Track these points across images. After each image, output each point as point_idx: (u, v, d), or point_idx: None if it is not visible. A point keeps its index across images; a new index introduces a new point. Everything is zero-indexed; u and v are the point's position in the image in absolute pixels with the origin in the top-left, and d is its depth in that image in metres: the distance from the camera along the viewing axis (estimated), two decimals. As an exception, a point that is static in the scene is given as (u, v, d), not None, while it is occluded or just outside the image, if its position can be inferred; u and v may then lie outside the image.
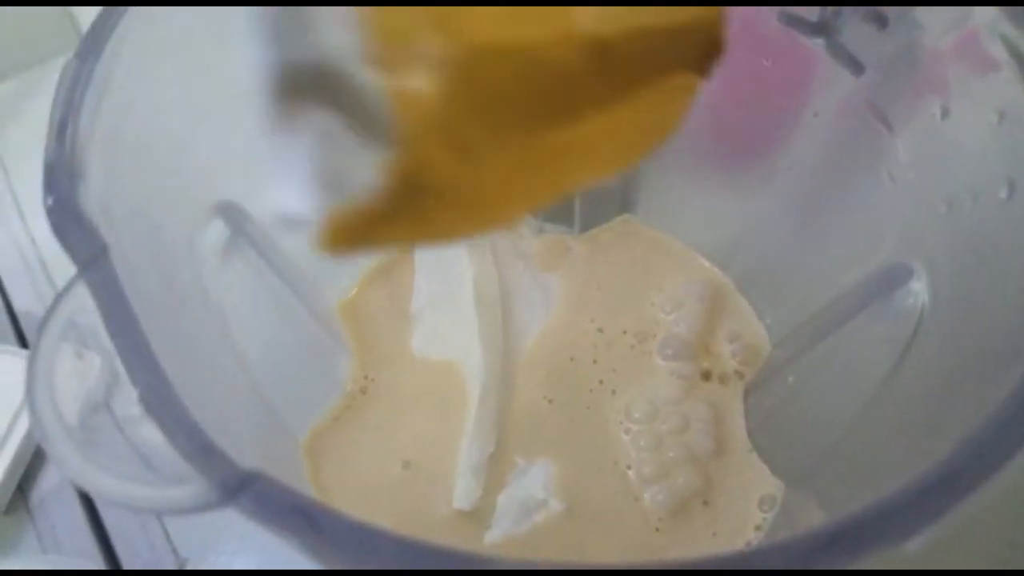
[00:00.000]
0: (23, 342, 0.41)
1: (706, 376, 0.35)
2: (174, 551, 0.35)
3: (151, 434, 0.18)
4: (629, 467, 0.33)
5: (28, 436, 0.36)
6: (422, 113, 0.14)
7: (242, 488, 0.16)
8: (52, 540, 0.36)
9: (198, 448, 0.17)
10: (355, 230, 0.14)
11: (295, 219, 0.14)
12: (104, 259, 0.19)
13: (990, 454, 0.16)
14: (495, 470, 0.34)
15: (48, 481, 0.37)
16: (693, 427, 0.33)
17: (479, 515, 0.33)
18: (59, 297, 0.19)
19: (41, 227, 0.45)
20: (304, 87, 0.13)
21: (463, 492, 0.33)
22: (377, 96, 0.13)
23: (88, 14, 0.48)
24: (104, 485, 0.17)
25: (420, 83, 0.14)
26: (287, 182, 0.14)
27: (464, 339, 0.36)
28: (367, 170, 0.14)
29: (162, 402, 0.18)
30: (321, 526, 0.15)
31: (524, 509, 0.32)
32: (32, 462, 0.37)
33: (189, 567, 0.34)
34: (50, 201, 0.19)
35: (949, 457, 0.16)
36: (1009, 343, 0.20)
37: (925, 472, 0.16)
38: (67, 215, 0.19)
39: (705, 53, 0.20)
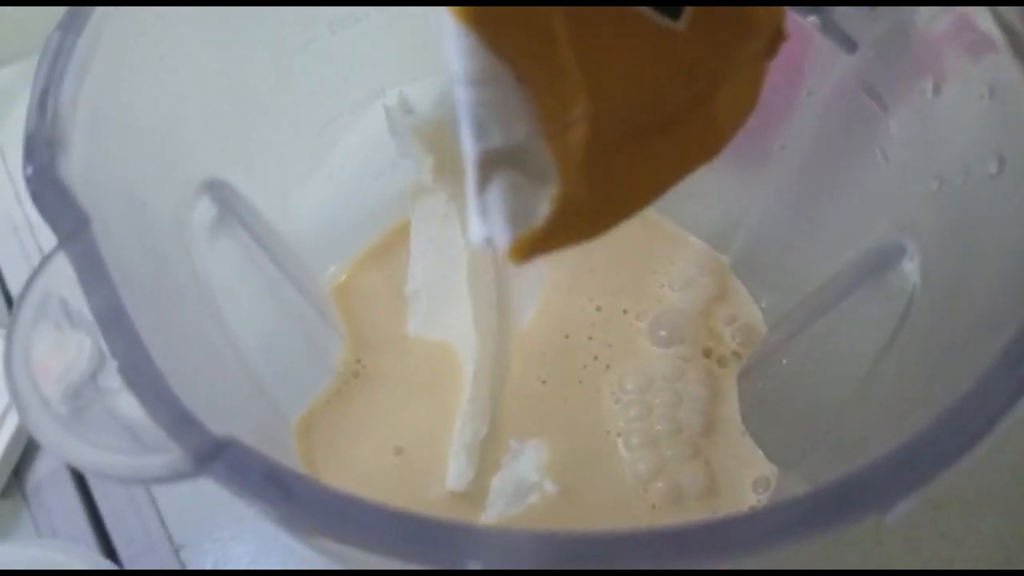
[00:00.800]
0: (19, 326, 0.41)
1: (707, 354, 0.35)
2: (169, 537, 0.35)
3: (134, 408, 0.18)
4: (619, 435, 0.33)
5: (23, 421, 0.36)
6: (572, 159, 0.20)
7: (216, 455, 0.16)
8: (48, 525, 0.35)
9: (174, 417, 0.17)
10: (533, 245, 0.20)
11: (492, 242, 0.20)
12: (85, 231, 0.19)
13: (968, 425, 0.16)
14: (488, 452, 0.33)
15: (44, 466, 0.37)
16: (686, 404, 0.33)
17: (472, 498, 0.32)
18: (38, 269, 0.19)
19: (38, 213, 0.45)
20: (498, 160, 0.19)
21: (456, 474, 0.33)
22: (546, 156, 0.19)
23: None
24: (81, 454, 0.17)
25: (573, 138, 0.20)
26: (488, 221, 0.20)
27: (459, 321, 0.36)
28: (542, 205, 0.20)
29: (140, 373, 0.18)
30: (294, 494, 0.15)
31: (518, 492, 0.32)
32: (28, 447, 0.37)
33: (185, 553, 0.34)
34: (30, 171, 0.19)
35: (927, 428, 0.16)
36: (996, 318, 0.20)
37: (903, 443, 0.15)
38: (47, 185, 0.19)
39: (771, 42, 0.23)
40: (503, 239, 0.20)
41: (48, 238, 0.42)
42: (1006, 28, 0.21)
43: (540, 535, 0.15)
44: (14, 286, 0.42)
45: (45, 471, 0.37)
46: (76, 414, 0.18)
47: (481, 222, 0.20)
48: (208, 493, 0.34)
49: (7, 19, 0.50)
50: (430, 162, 0.36)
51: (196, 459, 0.16)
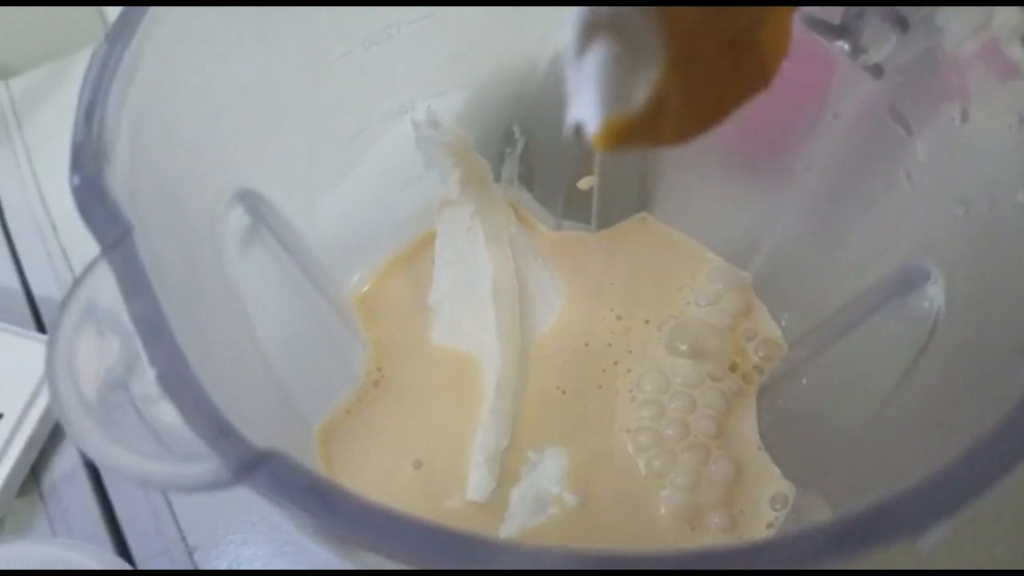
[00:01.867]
0: (41, 327, 0.41)
1: (732, 368, 0.36)
2: (183, 538, 0.35)
3: (166, 415, 0.18)
4: (627, 431, 0.34)
5: (42, 420, 0.37)
6: (672, 45, 0.19)
7: (258, 466, 0.16)
8: (63, 524, 0.36)
9: (215, 427, 0.17)
10: (623, 131, 0.19)
11: (582, 126, 0.19)
12: (128, 240, 0.19)
13: (1004, 450, 0.16)
14: (508, 463, 0.34)
15: (60, 465, 0.37)
16: (700, 410, 0.34)
17: (492, 508, 0.33)
18: (82, 276, 0.19)
19: (62, 215, 0.45)
20: (604, 25, 0.18)
21: (477, 484, 0.33)
22: (652, 32, 0.19)
23: (114, 5, 0.48)
24: (122, 461, 0.17)
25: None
26: (583, 98, 0.19)
27: (481, 331, 0.36)
28: (640, 88, 0.19)
29: (180, 382, 0.18)
30: (334, 506, 0.16)
31: (538, 502, 0.33)
32: (45, 446, 0.37)
33: (198, 554, 0.34)
34: (76, 181, 0.19)
35: (963, 453, 0.16)
36: (1022, 344, 0.20)
37: (939, 467, 0.16)
38: (92, 195, 0.19)
39: None
40: (594, 119, 0.19)
41: (71, 237, 0.43)
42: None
43: (570, 553, 0.15)
44: (36, 286, 0.43)
45: (62, 471, 0.37)
46: (113, 421, 0.19)
47: (574, 101, 0.19)
48: (223, 497, 0.34)
49: (34, 23, 0.51)
50: (457, 175, 0.37)
51: (239, 469, 0.16)
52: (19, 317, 0.41)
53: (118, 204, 0.19)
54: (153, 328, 0.18)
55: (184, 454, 0.18)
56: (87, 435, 0.18)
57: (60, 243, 0.44)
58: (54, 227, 0.45)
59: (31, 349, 0.38)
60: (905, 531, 0.15)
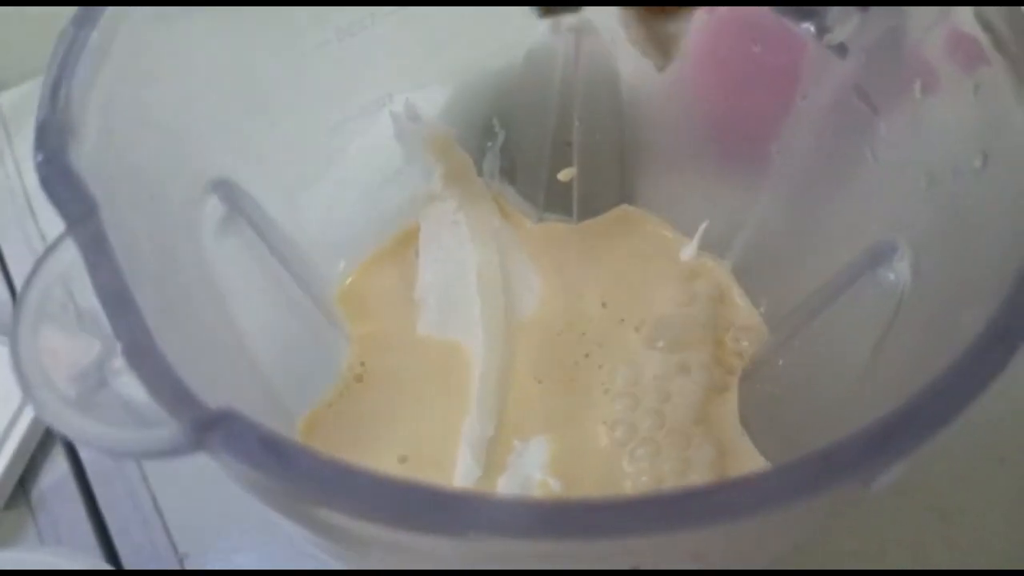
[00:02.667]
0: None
1: (716, 361, 0.36)
2: (174, 547, 0.35)
3: (133, 389, 0.19)
4: (605, 422, 0.34)
5: (30, 431, 0.37)
6: None
7: (215, 424, 0.16)
8: (53, 535, 0.36)
9: (174, 393, 0.17)
10: None
11: None
12: (93, 216, 0.20)
13: (951, 396, 0.16)
14: (495, 454, 0.34)
15: (49, 476, 0.37)
16: (674, 400, 0.34)
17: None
18: (43, 256, 0.19)
19: (52, 226, 0.45)
20: None
21: (464, 472, 0.33)
22: None
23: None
24: (82, 428, 0.17)
25: None
26: None
27: (467, 323, 0.37)
28: None
29: (142, 352, 0.18)
30: (291, 461, 0.16)
31: (524, 489, 0.33)
32: (34, 456, 0.37)
33: (188, 563, 0.35)
34: (40, 156, 0.19)
35: (911, 398, 0.16)
36: (983, 307, 0.20)
37: (888, 412, 0.16)
38: (56, 171, 0.19)
39: None
40: None
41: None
42: (987, 26, 0.22)
43: (534, 502, 0.15)
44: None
45: (50, 482, 0.37)
46: (83, 396, 0.19)
47: None
48: (212, 503, 0.35)
49: (24, 37, 0.51)
50: (441, 170, 0.37)
51: (194, 430, 0.16)
52: (7, 327, 0.42)
53: (83, 181, 0.20)
54: (117, 300, 0.19)
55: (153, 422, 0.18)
56: (48, 406, 0.18)
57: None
58: (43, 238, 0.45)
59: (17, 357, 0.38)
60: (851, 474, 0.15)
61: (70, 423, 0.17)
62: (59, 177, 0.19)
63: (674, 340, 0.36)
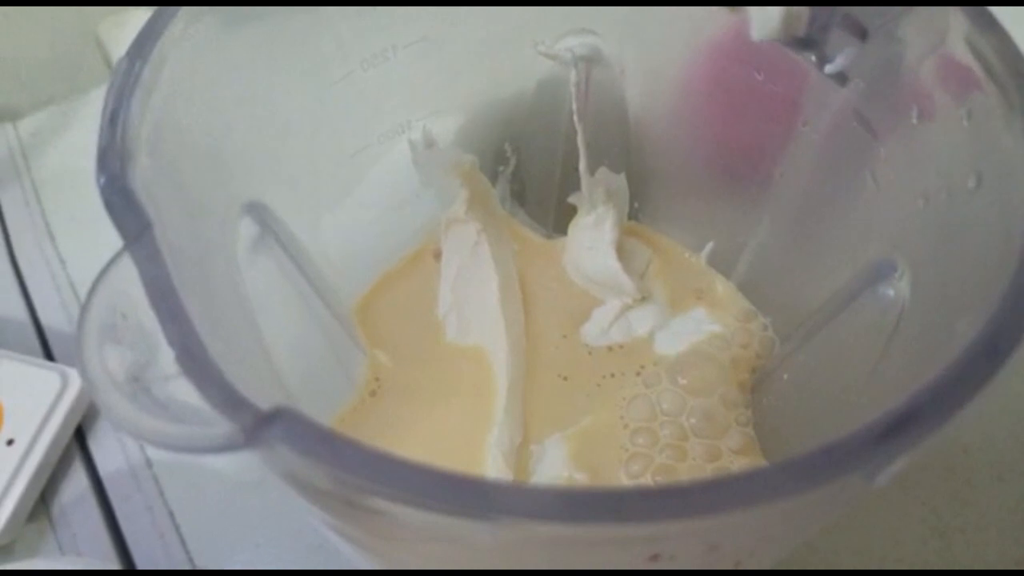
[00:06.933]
0: (50, 356, 0.43)
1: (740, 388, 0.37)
2: (191, 561, 0.36)
3: (181, 395, 0.20)
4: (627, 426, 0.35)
5: (52, 446, 0.38)
6: None
7: (271, 421, 0.17)
8: (72, 548, 0.37)
9: (230, 400, 0.19)
10: None
11: None
12: (148, 234, 0.21)
13: (950, 395, 0.17)
14: (519, 463, 0.35)
15: (70, 491, 0.38)
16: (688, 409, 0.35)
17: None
18: (107, 267, 0.21)
19: (71, 248, 0.47)
20: None
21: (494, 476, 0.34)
22: None
23: (118, 48, 0.51)
24: (147, 426, 0.19)
25: None
26: None
27: (491, 338, 0.38)
28: None
29: (196, 360, 0.19)
30: (343, 453, 0.17)
31: None
32: (55, 472, 0.38)
33: (204, 577, 0.35)
34: (103, 180, 0.21)
35: (910, 398, 0.17)
36: (976, 320, 0.21)
37: (889, 411, 0.17)
38: (117, 192, 0.21)
39: None
40: None
41: (78, 271, 0.45)
42: (979, 55, 0.23)
43: (560, 490, 0.16)
44: (45, 317, 0.44)
45: (71, 496, 0.38)
46: (136, 395, 0.20)
47: None
48: (229, 517, 0.36)
49: (40, 67, 0.53)
50: (465, 195, 0.38)
51: (253, 427, 0.18)
52: (29, 347, 0.43)
53: (140, 202, 0.21)
54: (172, 311, 0.20)
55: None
56: (117, 406, 0.19)
57: (68, 276, 0.46)
58: (62, 261, 0.47)
59: (41, 377, 0.39)
60: (854, 468, 0.17)
61: (135, 421, 0.19)
62: (120, 198, 0.21)
63: (696, 381, 0.37)
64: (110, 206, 0.21)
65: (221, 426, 0.18)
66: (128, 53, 0.23)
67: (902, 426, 0.17)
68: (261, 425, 0.18)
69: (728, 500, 0.16)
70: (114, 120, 0.22)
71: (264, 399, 0.27)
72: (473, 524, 0.17)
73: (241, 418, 0.18)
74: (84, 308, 0.20)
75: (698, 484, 0.16)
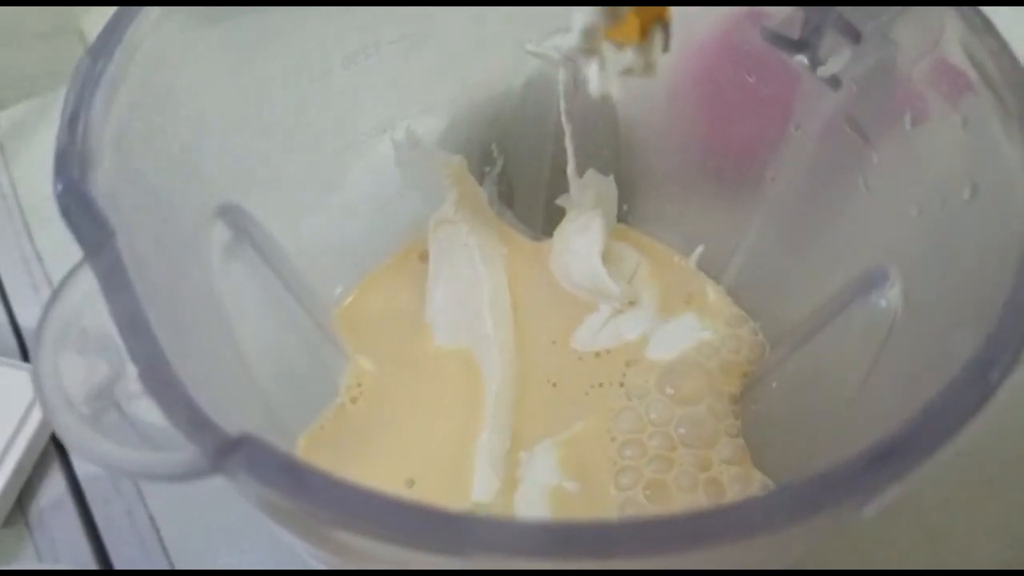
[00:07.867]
0: (27, 357, 0.41)
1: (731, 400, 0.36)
2: (171, 565, 0.35)
3: (146, 413, 0.19)
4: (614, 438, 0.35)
5: (28, 449, 0.37)
6: None
7: (234, 449, 0.17)
8: (51, 553, 0.36)
9: (193, 420, 0.18)
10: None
11: None
12: (110, 244, 0.20)
13: (941, 424, 0.17)
14: (507, 470, 0.34)
15: (47, 495, 0.37)
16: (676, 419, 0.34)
17: (498, 510, 0.33)
18: (65, 279, 0.20)
19: (48, 245, 0.46)
20: None
21: (482, 484, 0.33)
22: None
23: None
24: (104, 451, 0.18)
25: None
26: None
27: (479, 342, 0.37)
28: None
29: (159, 377, 0.19)
30: (308, 484, 0.16)
31: (541, 499, 0.33)
32: (32, 475, 0.37)
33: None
34: (59, 186, 0.20)
35: (905, 423, 0.17)
36: (968, 333, 0.21)
37: (878, 440, 0.16)
38: (75, 200, 0.20)
39: None
40: None
41: (56, 268, 0.44)
42: (974, 61, 0.23)
43: (540, 523, 0.16)
44: (22, 316, 0.43)
45: (49, 500, 0.37)
46: (97, 417, 0.20)
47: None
48: (210, 522, 0.35)
49: (19, 60, 0.52)
50: (454, 196, 0.38)
51: (216, 454, 0.17)
52: (5, 347, 0.42)
53: (101, 210, 0.20)
54: (134, 326, 0.19)
55: (164, 446, 0.18)
56: (72, 429, 0.18)
57: (46, 274, 0.45)
58: (39, 258, 0.45)
59: (17, 378, 0.38)
60: (846, 499, 0.16)
61: (91, 446, 0.18)
62: (78, 206, 0.20)
63: (685, 390, 0.36)
64: (67, 215, 0.20)
65: (186, 451, 0.17)
66: (91, 50, 0.22)
67: (896, 452, 0.16)
68: (225, 451, 0.17)
69: (712, 534, 0.16)
70: (74, 122, 0.21)
71: (239, 413, 0.27)
72: (448, 559, 0.16)
73: (205, 442, 0.17)
74: (40, 326, 0.19)
75: (681, 518, 0.16)
